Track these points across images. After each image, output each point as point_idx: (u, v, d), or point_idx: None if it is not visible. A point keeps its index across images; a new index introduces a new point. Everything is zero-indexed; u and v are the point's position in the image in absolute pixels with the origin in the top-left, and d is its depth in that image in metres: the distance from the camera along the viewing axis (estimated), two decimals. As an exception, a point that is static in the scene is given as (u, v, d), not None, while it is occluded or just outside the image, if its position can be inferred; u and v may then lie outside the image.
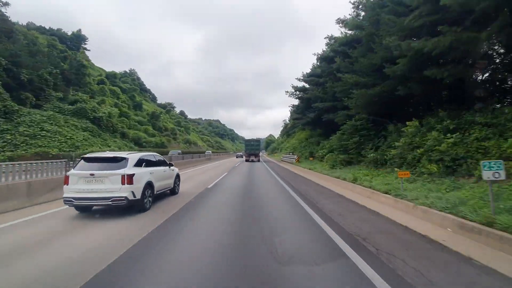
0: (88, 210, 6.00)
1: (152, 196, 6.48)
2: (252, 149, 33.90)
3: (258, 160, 33.11)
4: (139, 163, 6.30)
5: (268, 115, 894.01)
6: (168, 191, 8.20)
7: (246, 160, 32.74)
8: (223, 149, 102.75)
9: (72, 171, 5.70)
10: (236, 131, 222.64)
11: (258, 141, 36.03)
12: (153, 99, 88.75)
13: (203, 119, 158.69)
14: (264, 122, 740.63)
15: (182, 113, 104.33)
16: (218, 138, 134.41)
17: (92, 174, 5.46)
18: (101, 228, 4.93)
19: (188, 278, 3.07)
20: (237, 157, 52.18)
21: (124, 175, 5.52)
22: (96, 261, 3.42)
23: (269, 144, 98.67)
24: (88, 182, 5.47)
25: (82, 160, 5.90)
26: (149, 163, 6.87)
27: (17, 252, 3.82)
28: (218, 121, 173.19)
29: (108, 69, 66.58)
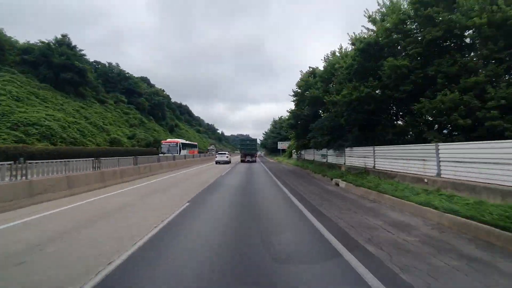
0: (218, 164, 27.03)
1: (229, 160, 27.94)
2: (248, 149, 34.21)
3: (255, 161, 33.81)
4: (227, 153, 28.46)
5: (251, 110, 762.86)
6: (230, 161, 28.97)
7: (242, 161, 33.19)
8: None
9: (217, 154, 27.98)
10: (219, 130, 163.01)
11: (254, 140, 37.47)
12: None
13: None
14: (247, 119, 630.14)
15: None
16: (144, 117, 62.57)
17: (221, 155, 27.15)
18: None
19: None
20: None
21: (227, 155, 27.40)
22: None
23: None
24: (220, 156, 27.31)
25: (217, 152, 28.33)
26: (228, 153, 28.81)
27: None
28: (162, 90, 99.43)
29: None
